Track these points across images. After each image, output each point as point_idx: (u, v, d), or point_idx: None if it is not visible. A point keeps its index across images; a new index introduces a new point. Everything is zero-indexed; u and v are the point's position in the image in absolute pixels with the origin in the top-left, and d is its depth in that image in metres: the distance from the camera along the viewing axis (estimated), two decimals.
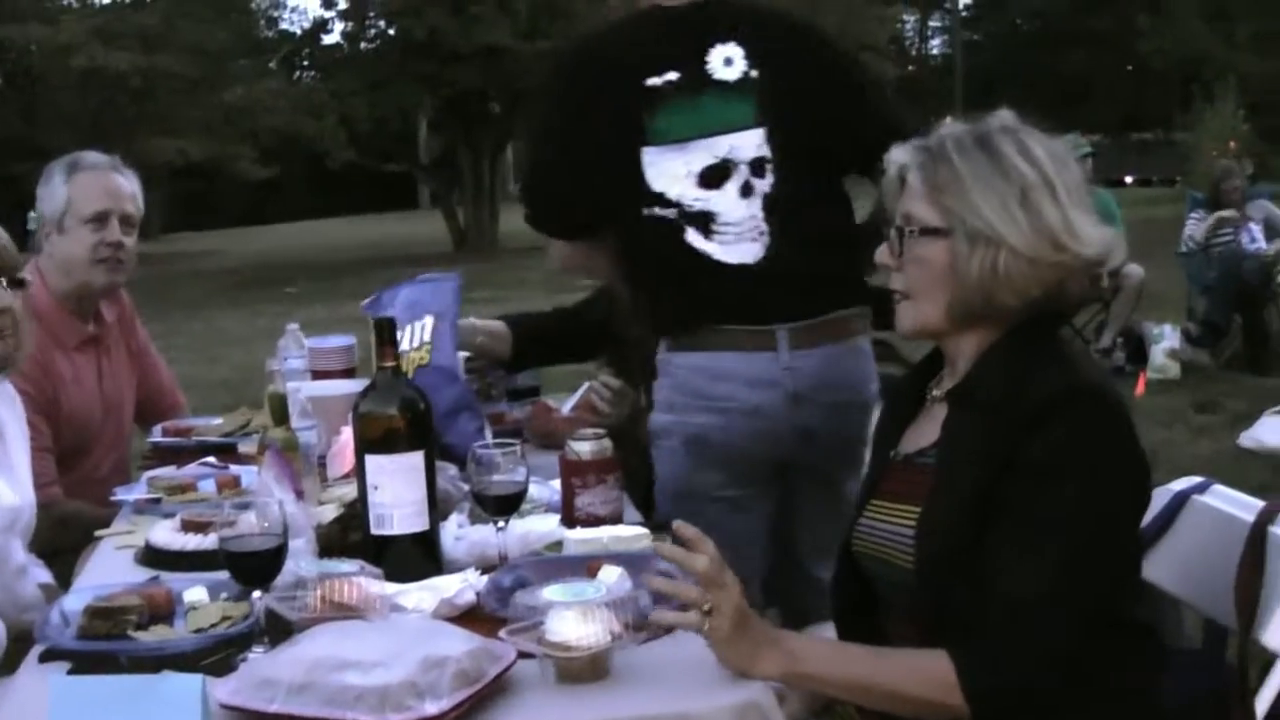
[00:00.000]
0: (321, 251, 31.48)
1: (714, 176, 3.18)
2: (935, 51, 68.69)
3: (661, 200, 3.20)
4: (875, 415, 3.33)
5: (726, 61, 3.20)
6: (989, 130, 2.29)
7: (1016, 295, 2.22)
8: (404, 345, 3.32)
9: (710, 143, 3.18)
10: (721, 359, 3.19)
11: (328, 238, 36.77)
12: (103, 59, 25.25)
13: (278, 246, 34.65)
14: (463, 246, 28.00)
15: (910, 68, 58.13)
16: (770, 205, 3.19)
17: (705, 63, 3.20)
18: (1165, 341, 9.74)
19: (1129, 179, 35.48)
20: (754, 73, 3.19)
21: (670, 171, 3.20)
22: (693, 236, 3.20)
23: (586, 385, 3.79)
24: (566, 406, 3.74)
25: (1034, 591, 2.07)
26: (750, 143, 3.18)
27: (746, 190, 3.18)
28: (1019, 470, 2.12)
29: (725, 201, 3.18)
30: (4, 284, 3.04)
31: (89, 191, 3.87)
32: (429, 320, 3.34)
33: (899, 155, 2.35)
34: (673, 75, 3.20)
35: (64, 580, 3.40)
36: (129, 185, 3.97)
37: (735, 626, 2.10)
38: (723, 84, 3.19)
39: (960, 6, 61.18)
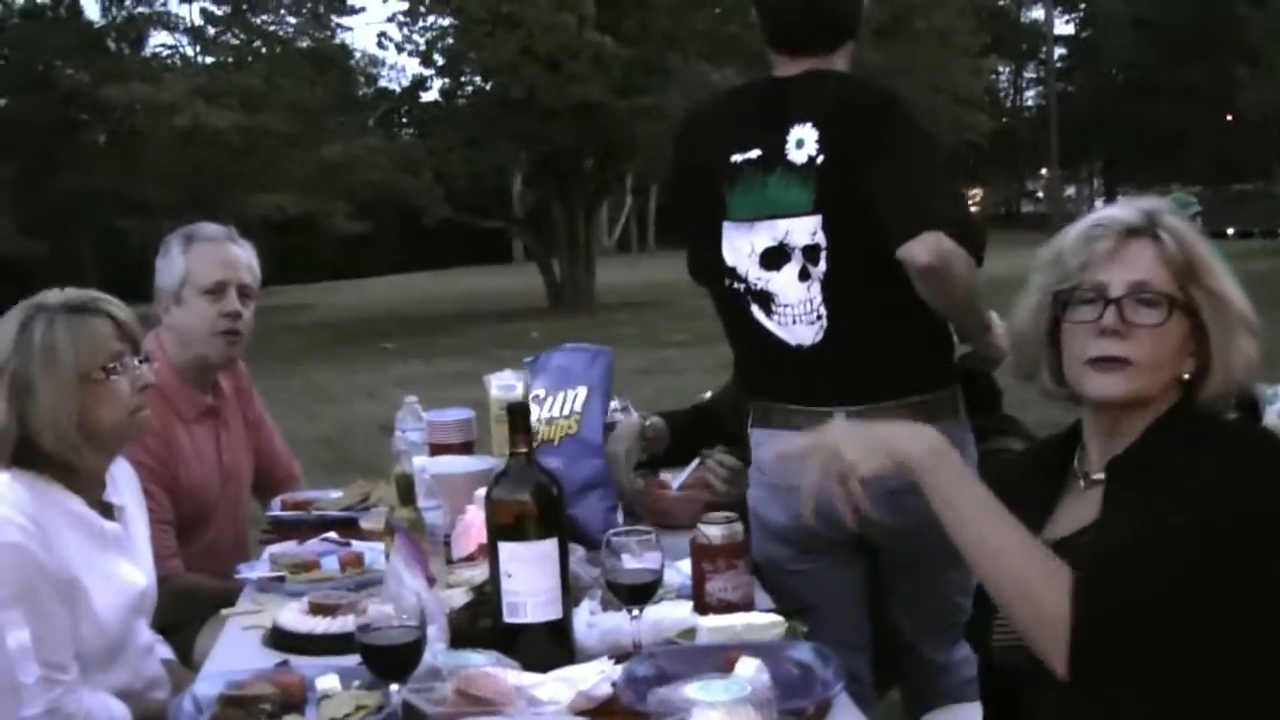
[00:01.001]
0: (416, 306, 31.74)
1: (774, 258, 3.20)
2: (1030, 103, 68.53)
3: (734, 274, 3.26)
4: None
5: (799, 143, 3.16)
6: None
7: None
8: (554, 411, 3.34)
9: (770, 225, 3.19)
10: (781, 437, 3.18)
11: (422, 292, 37.09)
12: (204, 117, 25.60)
13: (372, 300, 34.99)
14: (559, 302, 28.10)
15: (1004, 119, 57.92)
16: (828, 290, 3.17)
17: (784, 142, 3.18)
18: (1279, 403, 9.51)
19: (1229, 230, 35.05)
20: (819, 158, 3.14)
21: (739, 248, 3.25)
22: (756, 311, 3.25)
23: (698, 461, 3.74)
24: (676, 483, 3.68)
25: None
26: (805, 229, 3.16)
27: (804, 275, 3.17)
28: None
29: (784, 283, 3.20)
30: (139, 360, 3.04)
31: (206, 263, 3.87)
32: (582, 391, 3.33)
33: (1125, 215, 2.26)
34: (755, 153, 3.21)
35: (183, 654, 3.41)
36: (245, 255, 3.97)
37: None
38: (790, 165, 3.17)
39: (1055, 58, 60.97)
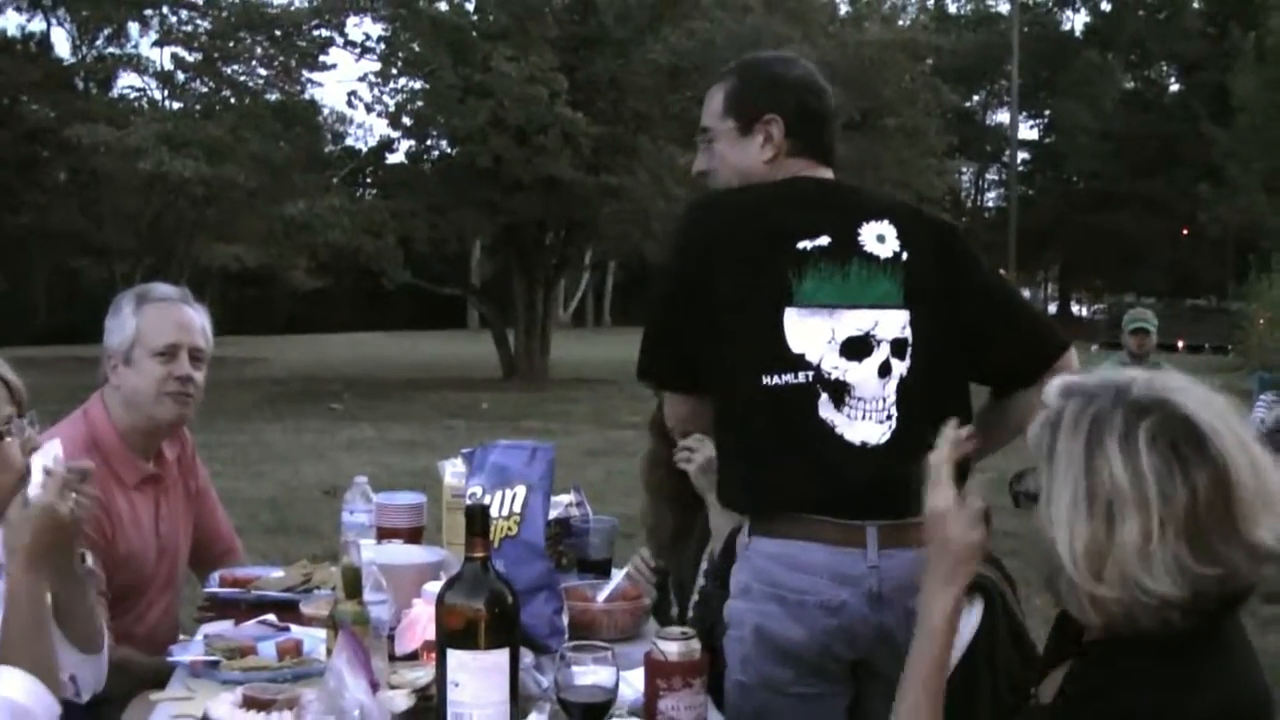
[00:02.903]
0: (368, 367, 31.57)
1: (857, 348, 3.09)
2: (990, 204, 69.19)
3: (800, 363, 3.08)
4: None
5: (879, 238, 3.13)
6: (1109, 415, 2.09)
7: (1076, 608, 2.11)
8: (492, 512, 3.19)
9: (858, 314, 3.10)
10: (805, 549, 3.04)
11: (375, 352, 36.94)
12: (169, 165, 25.33)
13: (325, 358, 34.79)
14: (512, 374, 27.98)
15: (964, 219, 58.43)
16: (903, 389, 3.09)
17: (858, 234, 3.14)
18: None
19: (1180, 344, 35.38)
20: (905, 254, 3.13)
21: (815, 335, 3.09)
22: (824, 404, 3.08)
23: (625, 572, 3.61)
24: (602, 595, 3.50)
25: None
26: (896, 322, 3.10)
27: (885, 370, 3.08)
28: None
29: (863, 375, 3.08)
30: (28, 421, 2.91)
31: (159, 324, 3.76)
32: (521, 490, 3.20)
33: (1049, 397, 2.22)
34: (824, 240, 3.12)
35: None
36: (199, 318, 3.85)
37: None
38: (872, 257, 3.12)
39: (1017, 162, 61.62)
